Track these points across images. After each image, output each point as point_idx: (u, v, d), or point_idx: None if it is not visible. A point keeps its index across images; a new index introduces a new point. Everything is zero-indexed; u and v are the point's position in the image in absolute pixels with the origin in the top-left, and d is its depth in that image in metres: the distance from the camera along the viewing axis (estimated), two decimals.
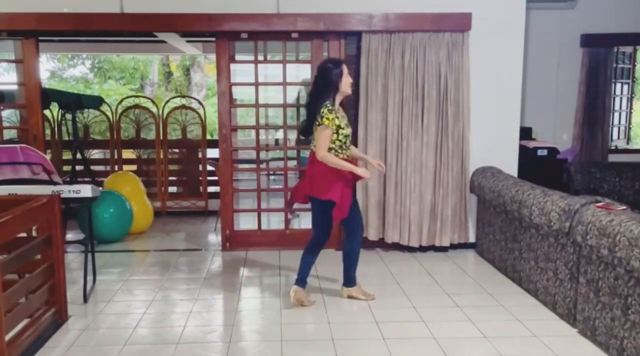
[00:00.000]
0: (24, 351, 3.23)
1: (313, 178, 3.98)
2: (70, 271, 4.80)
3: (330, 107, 3.89)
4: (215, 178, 6.79)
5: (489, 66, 5.35)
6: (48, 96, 6.09)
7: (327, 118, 3.84)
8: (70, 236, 5.88)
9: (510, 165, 5.46)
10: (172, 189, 7.60)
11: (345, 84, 3.95)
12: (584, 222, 3.44)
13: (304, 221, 6.61)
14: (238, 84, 5.98)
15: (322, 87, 3.93)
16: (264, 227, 5.85)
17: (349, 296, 4.24)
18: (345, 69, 3.96)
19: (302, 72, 6.11)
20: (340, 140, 3.93)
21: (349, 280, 4.26)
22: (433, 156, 5.30)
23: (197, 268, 5.10)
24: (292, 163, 8.46)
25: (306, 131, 4.01)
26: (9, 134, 6.75)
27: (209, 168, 7.36)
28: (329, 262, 5.21)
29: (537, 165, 6.09)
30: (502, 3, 5.32)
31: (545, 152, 6.21)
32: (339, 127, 3.89)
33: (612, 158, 7.46)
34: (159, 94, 16.13)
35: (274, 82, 5.89)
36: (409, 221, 5.32)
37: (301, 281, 4.11)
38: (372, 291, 4.35)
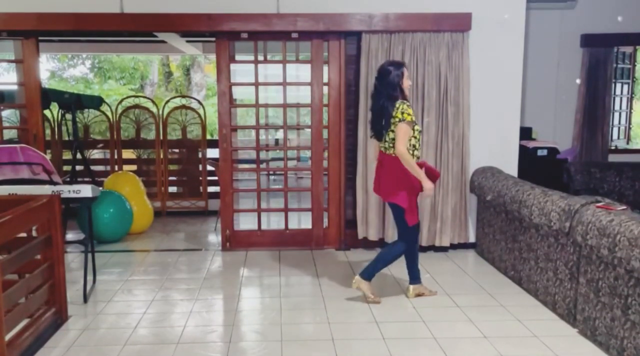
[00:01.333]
0: (24, 351, 3.23)
1: (382, 180, 4.09)
2: (70, 271, 4.80)
3: (408, 103, 3.99)
4: (215, 178, 6.80)
5: (489, 66, 5.35)
6: (48, 96, 6.08)
7: (409, 114, 3.90)
8: (70, 236, 5.88)
9: (510, 165, 5.46)
10: (172, 189, 7.60)
11: (406, 86, 4.06)
12: (584, 222, 3.44)
13: (304, 220, 6.60)
14: (238, 84, 5.98)
15: (388, 88, 3.98)
16: (264, 227, 5.86)
17: (358, 288, 4.20)
18: (405, 71, 4.05)
19: (302, 72, 6.10)
20: (416, 137, 4.00)
21: (367, 273, 4.19)
22: (433, 156, 5.30)
23: (197, 268, 5.10)
24: (292, 163, 8.47)
25: (380, 134, 4.06)
26: (9, 134, 6.75)
27: (209, 168, 7.36)
28: (329, 262, 5.21)
29: (537, 165, 6.09)
30: (502, 3, 5.32)
31: (545, 152, 6.21)
32: (414, 123, 3.98)
33: (612, 158, 7.46)
34: (159, 94, 16.13)
35: (274, 82, 5.89)
36: None
37: (414, 279, 4.29)
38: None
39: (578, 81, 7.14)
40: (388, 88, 3.98)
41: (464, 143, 5.32)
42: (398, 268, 4.99)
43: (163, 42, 7.81)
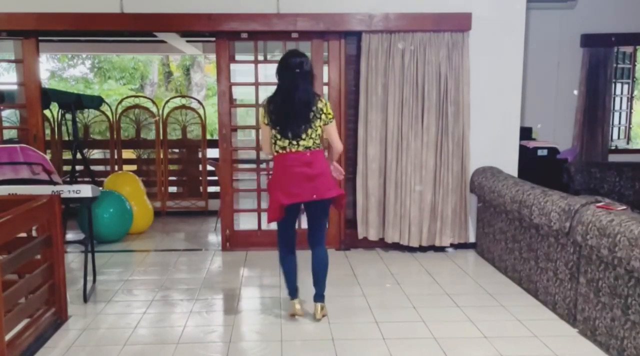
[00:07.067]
0: (24, 351, 3.23)
1: (319, 178, 3.64)
2: (70, 271, 4.80)
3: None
4: (215, 178, 6.80)
5: (489, 66, 5.35)
6: (48, 96, 6.08)
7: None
8: (70, 236, 5.88)
9: (510, 165, 5.46)
10: (172, 189, 7.60)
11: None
12: (584, 222, 3.43)
13: (304, 221, 6.58)
14: (238, 84, 5.98)
15: (310, 80, 3.69)
16: (264, 227, 5.85)
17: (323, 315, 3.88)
18: None
19: None
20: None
21: (321, 294, 3.90)
22: (433, 156, 5.30)
23: (197, 268, 5.10)
24: None
25: (301, 132, 3.63)
26: (9, 134, 6.75)
27: (209, 168, 7.36)
28: (329, 262, 5.19)
29: (537, 165, 6.09)
30: (502, 3, 5.32)
31: (545, 152, 6.21)
32: None
33: (612, 158, 7.46)
34: (159, 94, 16.13)
35: (274, 82, 5.85)
36: (409, 221, 5.32)
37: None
38: (372, 292, 4.35)
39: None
40: (310, 80, 3.67)
41: (464, 143, 5.32)
42: (396, 267, 5.01)
43: (163, 42, 7.81)
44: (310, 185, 3.62)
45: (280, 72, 3.73)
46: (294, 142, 3.61)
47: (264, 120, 3.71)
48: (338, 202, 3.80)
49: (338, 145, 3.78)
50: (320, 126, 3.65)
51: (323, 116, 3.64)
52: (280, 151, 3.66)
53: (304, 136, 3.60)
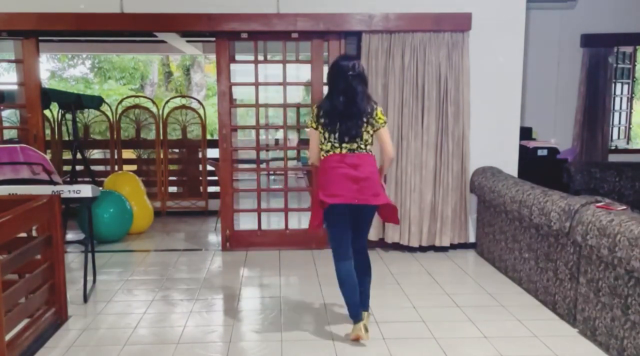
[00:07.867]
0: (24, 351, 3.23)
1: (368, 182, 3.43)
2: (70, 271, 4.80)
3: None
4: (215, 178, 6.80)
5: (489, 66, 5.35)
6: (48, 96, 6.08)
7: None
8: (70, 236, 5.88)
9: (510, 165, 5.46)
10: (172, 189, 7.60)
11: None
12: (584, 222, 3.44)
13: (304, 220, 6.59)
14: (238, 84, 5.98)
15: (366, 85, 3.58)
16: (264, 227, 5.85)
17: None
18: None
19: (302, 72, 6.09)
20: None
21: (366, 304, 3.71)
22: (433, 156, 5.30)
23: (197, 268, 5.10)
24: (292, 163, 8.45)
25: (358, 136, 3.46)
26: (9, 134, 6.74)
27: (209, 168, 7.37)
28: (329, 262, 5.20)
29: (537, 165, 6.09)
30: (502, 3, 5.32)
31: (545, 152, 6.21)
32: None
33: (612, 158, 7.46)
34: (159, 94, 16.13)
35: (274, 82, 5.89)
36: (409, 221, 5.32)
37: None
38: (372, 292, 4.34)
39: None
40: (366, 85, 3.57)
41: (464, 143, 5.32)
42: (396, 267, 5.01)
43: (163, 42, 7.81)
44: (354, 187, 3.40)
45: (332, 76, 3.52)
46: (337, 145, 3.44)
47: (313, 125, 3.51)
48: (387, 214, 3.63)
49: (389, 151, 3.54)
50: (368, 131, 3.47)
51: (373, 121, 3.46)
52: (324, 155, 3.50)
53: (357, 140, 3.43)
